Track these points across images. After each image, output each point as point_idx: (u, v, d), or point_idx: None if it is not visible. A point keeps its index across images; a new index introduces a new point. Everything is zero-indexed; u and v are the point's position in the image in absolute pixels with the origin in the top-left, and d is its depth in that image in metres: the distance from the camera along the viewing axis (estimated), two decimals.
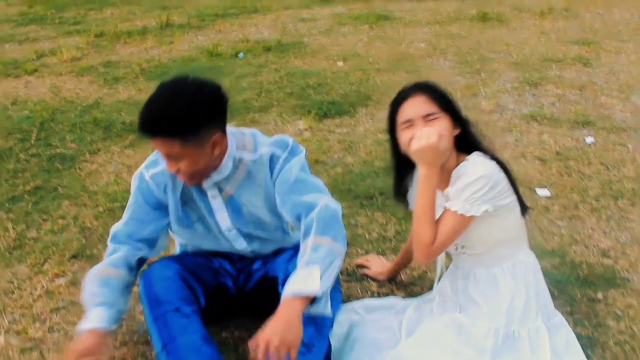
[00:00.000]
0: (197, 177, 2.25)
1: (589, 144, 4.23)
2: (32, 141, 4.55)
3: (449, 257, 2.49)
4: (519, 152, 4.13)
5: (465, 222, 2.14)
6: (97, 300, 2.22)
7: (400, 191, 2.45)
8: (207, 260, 2.53)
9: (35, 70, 6.36)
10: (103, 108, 5.18)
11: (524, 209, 2.29)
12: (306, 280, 2.03)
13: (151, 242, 2.41)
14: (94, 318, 2.16)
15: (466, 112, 4.89)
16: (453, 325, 2.26)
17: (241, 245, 2.48)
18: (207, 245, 2.52)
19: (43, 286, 2.95)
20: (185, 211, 2.40)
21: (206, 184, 2.32)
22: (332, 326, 2.29)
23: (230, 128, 2.33)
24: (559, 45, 6.73)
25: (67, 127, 4.79)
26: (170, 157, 2.16)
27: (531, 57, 6.29)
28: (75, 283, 2.90)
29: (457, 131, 2.23)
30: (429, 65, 6.08)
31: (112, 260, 2.33)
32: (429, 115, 2.16)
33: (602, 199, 3.55)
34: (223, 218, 2.39)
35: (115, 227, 2.43)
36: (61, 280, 2.99)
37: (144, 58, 6.67)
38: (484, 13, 8.10)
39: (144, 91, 5.57)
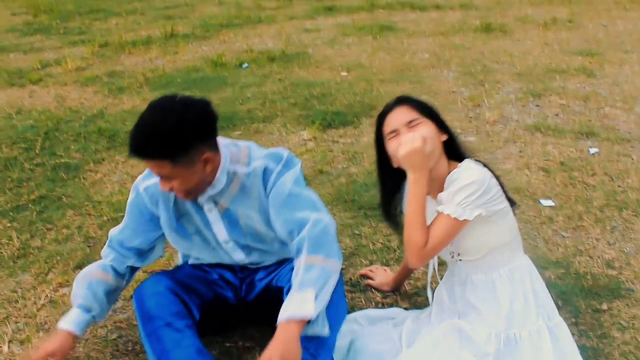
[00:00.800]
0: (192, 194, 2.26)
1: (593, 155, 4.23)
2: (37, 150, 4.57)
3: (442, 265, 2.48)
4: (523, 163, 4.13)
5: (457, 226, 2.15)
6: (78, 302, 2.40)
7: (389, 210, 2.47)
8: (204, 272, 2.54)
9: (40, 80, 6.39)
10: (107, 118, 5.19)
11: (511, 204, 2.31)
12: (300, 304, 2.04)
13: (141, 252, 2.51)
14: (69, 320, 2.36)
15: (470, 122, 4.94)
16: (453, 331, 2.26)
17: (239, 256, 2.48)
18: (207, 256, 2.53)
19: (47, 295, 2.95)
20: (181, 223, 2.41)
21: (201, 199, 2.32)
22: (335, 339, 2.29)
23: (224, 140, 2.32)
24: (562, 56, 6.75)
25: (72, 137, 4.81)
26: (163, 177, 2.17)
27: (535, 68, 6.30)
28: None
29: (444, 137, 2.28)
30: (432, 76, 6.09)
31: (102, 263, 2.50)
32: (411, 121, 2.22)
33: (606, 209, 3.55)
34: (219, 230, 2.39)
35: (112, 232, 2.53)
36: (65, 290, 2.99)
37: (148, 68, 6.70)
38: (488, 24, 8.12)
39: (148, 101, 5.55)
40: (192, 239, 2.44)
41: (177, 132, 2.04)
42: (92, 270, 2.48)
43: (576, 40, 7.46)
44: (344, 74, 6.26)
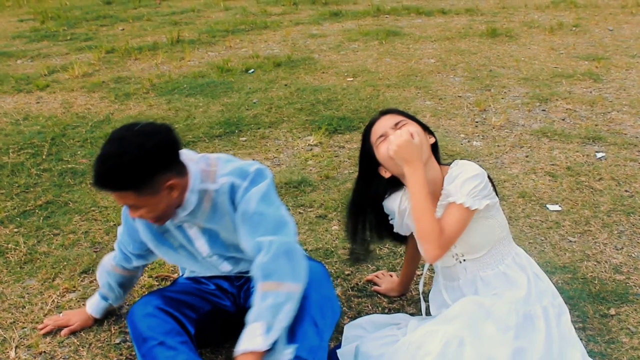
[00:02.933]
0: (162, 219, 2.27)
1: (600, 159, 4.22)
2: (44, 156, 4.58)
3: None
4: (530, 168, 4.12)
5: (469, 215, 2.20)
6: (99, 288, 2.76)
7: (356, 229, 2.54)
8: (201, 284, 2.56)
9: (47, 86, 6.41)
10: (114, 124, 5.20)
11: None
12: (252, 337, 2.09)
13: (138, 256, 2.61)
14: (91, 303, 2.75)
15: (476, 127, 4.92)
16: (472, 303, 2.23)
17: (226, 268, 2.49)
18: (196, 268, 2.55)
19: (54, 301, 2.95)
20: (165, 238, 2.42)
21: (176, 221, 2.32)
22: (327, 342, 2.30)
23: (194, 156, 2.31)
24: (568, 60, 6.74)
25: (79, 143, 4.82)
26: (130, 207, 2.19)
27: (541, 72, 6.29)
28: (85, 298, 2.90)
29: (432, 139, 2.34)
30: (438, 81, 6.09)
31: (113, 258, 2.69)
32: (397, 123, 2.30)
33: (613, 214, 3.53)
34: (201, 245, 2.40)
35: (117, 231, 2.63)
36: (72, 295, 2.99)
37: (154, 74, 6.71)
38: (494, 29, 8.12)
39: (155, 107, 5.60)
40: (178, 252, 2.46)
41: (137, 163, 2.04)
42: (108, 262, 2.71)
43: (582, 44, 7.45)
44: (350, 79, 6.26)
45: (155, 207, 2.17)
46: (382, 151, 2.28)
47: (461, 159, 2.38)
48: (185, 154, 2.27)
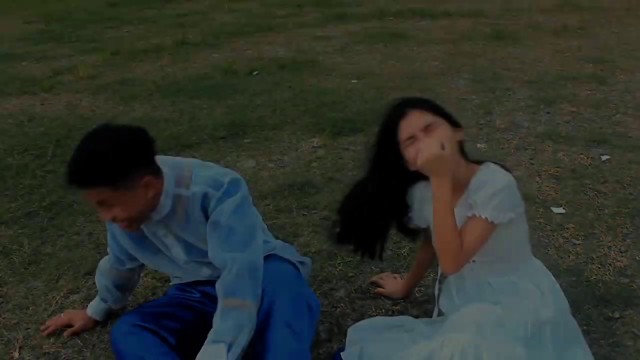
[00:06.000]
0: (136, 222, 2.25)
1: (604, 162, 4.21)
2: (48, 158, 4.59)
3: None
4: (534, 171, 4.11)
5: (491, 229, 2.15)
6: (99, 292, 2.75)
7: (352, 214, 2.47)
8: (186, 292, 2.57)
9: (52, 88, 6.43)
10: None
11: None
12: (212, 357, 2.09)
13: (129, 258, 2.58)
14: (91, 306, 2.76)
15: (480, 129, 4.91)
16: (480, 311, 2.17)
17: (206, 272, 2.47)
18: (178, 273, 2.56)
19: (57, 302, 2.96)
20: (145, 243, 2.42)
21: (148, 226, 2.32)
22: (308, 345, 2.29)
23: (169, 161, 2.31)
24: (573, 63, 6.73)
25: None
26: (104, 205, 2.14)
27: (546, 75, 6.28)
28: (89, 299, 2.90)
29: (459, 135, 2.27)
30: (443, 84, 6.09)
31: (108, 260, 2.68)
32: (428, 126, 2.19)
33: (618, 217, 3.52)
34: (178, 253, 2.39)
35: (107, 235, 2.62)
36: (75, 296, 3.00)
37: (159, 75, 6.73)
38: (498, 31, 8.12)
39: (160, 108, 5.61)
40: (158, 256, 2.46)
41: (113, 157, 2.03)
42: (103, 264, 2.70)
43: (587, 47, 7.44)
44: (354, 81, 6.27)
45: (131, 206, 2.14)
46: (411, 154, 2.20)
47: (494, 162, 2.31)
48: (160, 159, 2.26)
